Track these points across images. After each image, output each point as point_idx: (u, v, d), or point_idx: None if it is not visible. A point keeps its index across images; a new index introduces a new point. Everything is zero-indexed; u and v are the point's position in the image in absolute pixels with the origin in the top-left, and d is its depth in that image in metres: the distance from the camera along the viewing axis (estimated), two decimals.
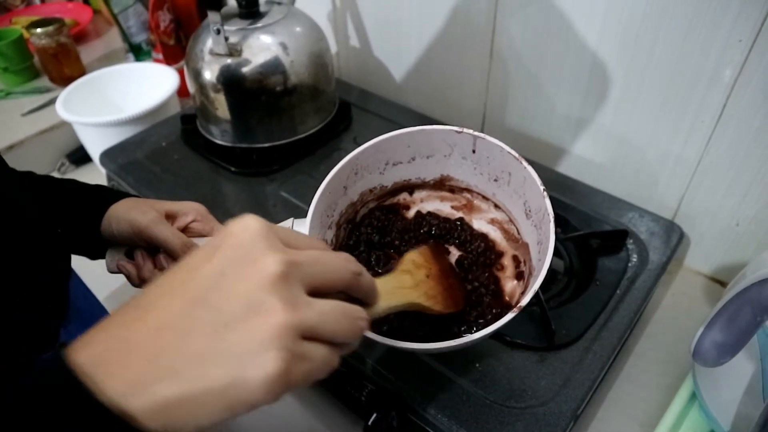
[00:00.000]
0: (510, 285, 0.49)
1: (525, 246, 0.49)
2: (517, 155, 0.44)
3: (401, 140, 0.48)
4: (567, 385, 0.49)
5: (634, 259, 0.60)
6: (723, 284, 0.70)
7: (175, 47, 1.02)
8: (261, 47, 0.69)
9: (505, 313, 0.38)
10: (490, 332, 0.38)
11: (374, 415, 0.49)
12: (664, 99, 0.63)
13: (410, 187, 0.54)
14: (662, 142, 0.66)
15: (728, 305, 0.36)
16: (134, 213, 0.48)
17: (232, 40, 0.68)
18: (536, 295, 0.53)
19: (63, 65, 1.07)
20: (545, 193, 0.42)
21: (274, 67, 0.70)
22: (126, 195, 0.52)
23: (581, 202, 0.66)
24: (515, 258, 0.50)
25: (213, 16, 0.66)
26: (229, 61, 0.69)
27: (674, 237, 0.63)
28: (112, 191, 0.53)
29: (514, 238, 0.50)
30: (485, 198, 0.52)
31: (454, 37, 0.80)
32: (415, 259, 0.43)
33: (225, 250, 0.26)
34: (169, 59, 1.02)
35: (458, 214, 0.53)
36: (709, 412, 0.52)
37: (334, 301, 0.27)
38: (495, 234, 0.52)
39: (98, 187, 0.53)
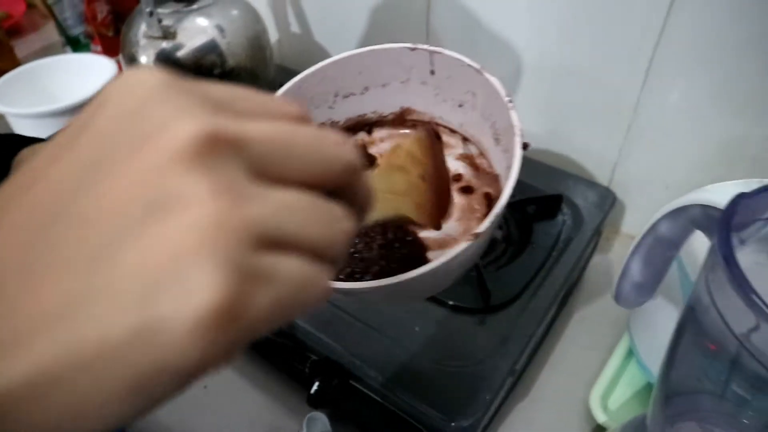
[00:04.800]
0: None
1: (496, 178, 0.45)
2: (478, 66, 0.40)
3: (350, 65, 0.43)
4: (504, 344, 0.50)
5: (569, 223, 0.62)
6: None
7: (115, 39, 1.00)
8: (196, 30, 0.69)
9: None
10: (445, 261, 0.32)
11: (316, 383, 0.50)
12: (592, 71, 0.66)
13: (368, 125, 0.48)
14: (592, 109, 0.69)
15: (639, 246, 0.38)
16: None
17: (166, 22, 0.68)
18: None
19: None
20: (511, 104, 0.37)
21: (210, 49, 0.69)
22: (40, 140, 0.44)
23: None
24: (487, 196, 0.45)
25: None
26: (164, 44, 0.68)
27: (607, 201, 0.65)
28: (23, 138, 0.44)
29: (485, 172, 0.46)
30: (453, 131, 0.46)
31: (393, 21, 0.80)
32: (413, 151, 0.37)
33: (99, 124, 0.16)
34: (109, 51, 1.00)
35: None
36: (644, 365, 0.54)
37: (299, 192, 0.17)
38: (465, 171, 0.46)
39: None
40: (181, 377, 0.14)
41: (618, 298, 0.41)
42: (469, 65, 0.39)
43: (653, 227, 0.36)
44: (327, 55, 0.42)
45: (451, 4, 0.72)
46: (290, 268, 0.16)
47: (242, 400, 0.59)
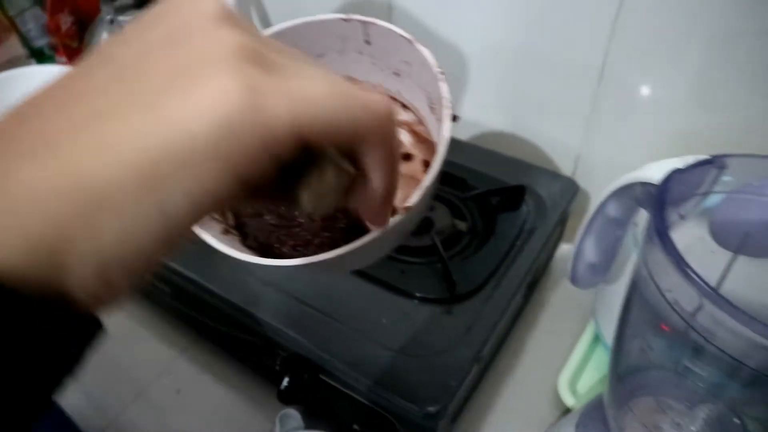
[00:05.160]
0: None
1: (433, 146, 0.45)
2: (410, 37, 0.39)
3: (285, 37, 0.43)
4: (469, 332, 0.51)
5: (533, 214, 0.63)
6: None
7: (80, 49, 1.00)
8: None
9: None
10: (377, 235, 0.31)
11: (285, 379, 0.50)
12: (553, 59, 0.67)
13: None
14: (554, 99, 0.70)
15: (589, 227, 0.39)
16: None
17: None
18: (437, 251, 0.56)
19: None
20: (442, 75, 0.37)
21: None
22: None
23: (482, 164, 0.69)
24: (425, 163, 0.46)
25: (105, 7, 0.65)
26: None
27: (570, 191, 0.66)
28: None
29: (424, 139, 0.46)
30: (392, 98, 0.46)
31: (353, 5, 0.81)
32: None
33: (159, 24, 0.19)
34: (74, 62, 0.99)
35: None
36: (610, 348, 0.55)
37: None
38: (404, 137, 0.47)
39: None
40: (216, 172, 0.17)
41: (574, 279, 0.42)
42: (401, 36, 0.39)
43: (600, 208, 0.37)
44: None
45: None
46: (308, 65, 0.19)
47: (215, 401, 0.59)
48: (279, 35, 0.42)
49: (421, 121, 0.46)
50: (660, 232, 0.28)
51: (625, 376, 0.38)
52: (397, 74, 0.44)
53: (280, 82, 0.17)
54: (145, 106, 0.17)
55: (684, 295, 0.27)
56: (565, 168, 0.73)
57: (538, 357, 0.62)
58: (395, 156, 0.21)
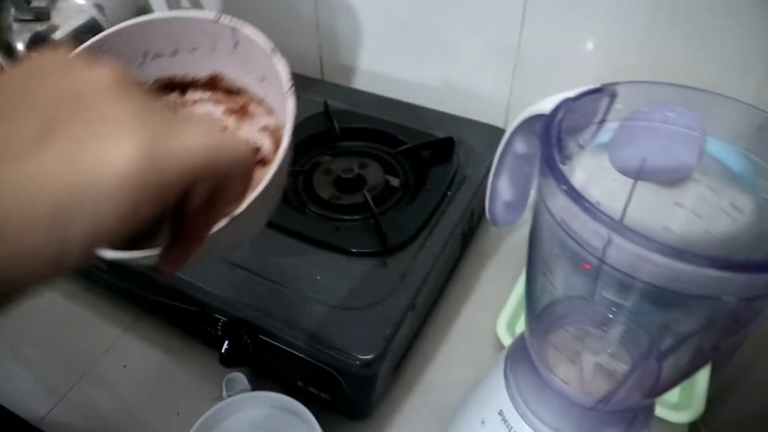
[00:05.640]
0: None
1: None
2: (270, 48, 0.40)
3: (157, 28, 0.43)
4: (403, 281, 0.52)
5: (464, 165, 0.64)
6: None
7: None
8: (72, 9, 0.67)
9: None
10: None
11: (225, 343, 0.50)
12: (474, 18, 0.68)
13: (180, 86, 0.48)
14: (479, 50, 0.71)
15: (500, 165, 0.40)
16: None
17: (38, 3, 0.66)
18: (368, 206, 0.57)
19: None
20: (289, 93, 0.38)
21: (90, 30, 0.68)
22: None
23: (413, 120, 0.70)
24: None
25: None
26: (38, 27, 0.66)
27: (500, 140, 0.67)
28: None
29: None
30: (259, 102, 0.47)
31: None
32: None
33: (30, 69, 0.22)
34: None
35: (230, 120, 0.48)
36: None
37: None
38: (265, 142, 0.47)
39: None
40: (108, 226, 0.19)
41: (492, 219, 0.43)
42: (262, 46, 0.40)
43: (507, 144, 0.38)
44: None
45: None
46: (191, 124, 0.22)
47: (163, 373, 0.60)
48: (148, 25, 0.42)
49: (281, 127, 0.45)
50: (548, 160, 0.29)
51: (540, 311, 0.40)
52: (263, 80, 0.44)
53: (169, 140, 0.21)
54: (60, 158, 0.19)
55: (574, 220, 0.29)
56: (497, 120, 0.75)
57: (478, 303, 0.63)
58: (248, 187, 0.28)
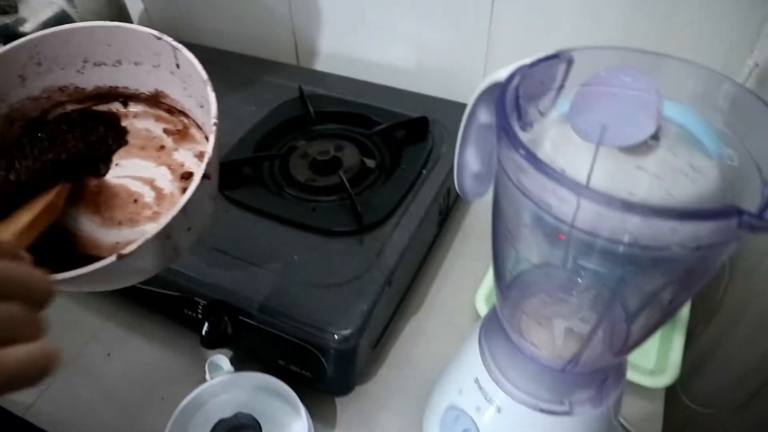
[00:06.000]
0: None
1: None
2: (205, 77, 0.39)
3: (97, 35, 0.42)
4: (380, 258, 0.53)
5: (438, 143, 0.65)
6: None
7: None
8: (42, 2, 0.67)
9: None
10: (77, 274, 0.33)
11: (205, 325, 0.51)
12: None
13: (122, 97, 0.47)
14: (454, 35, 0.71)
15: (464, 136, 0.41)
16: None
17: None
18: (344, 187, 0.57)
19: None
20: (214, 127, 0.37)
21: (59, 21, 0.67)
22: None
23: (388, 102, 0.70)
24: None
25: None
26: (6, 20, 0.65)
27: None
28: None
29: None
30: (199, 127, 0.45)
31: None
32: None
33: None
34: None
35: (168, 140, 0.46)
36: None
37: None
38: (196, 169, 0.43)
39: None
40: None
41: (461, 191, 0.44)
42: (199, 72, 0.39)
43: (470, 115, 0.39)
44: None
45: None
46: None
47: (147, 360, 0.60)
48: (89, 31, 0.42)
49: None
50: (504, 127, 0.30)
51: (506, 278, 0.41)
52: (201, 106, 0.43)
53: None
54: None
55: (530, 182, 0.29)
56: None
57: (457, 279, 0.64)
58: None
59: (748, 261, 0.63)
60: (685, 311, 0.59)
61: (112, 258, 0.32)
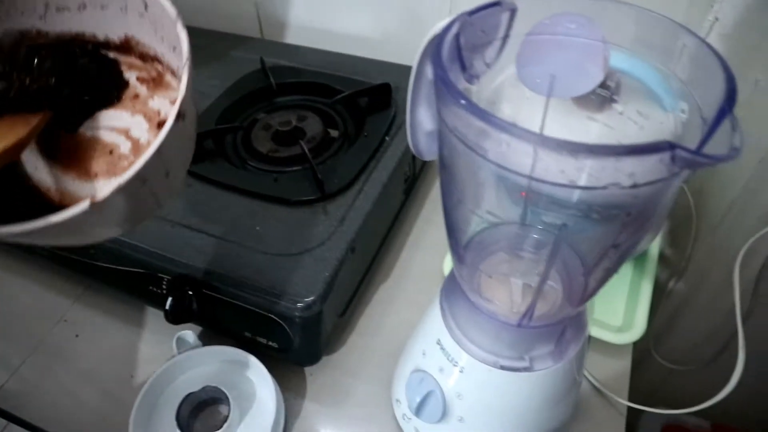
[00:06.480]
0: None
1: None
2: (174, 15, 0.36)
3: None
4: (343, 224, 0.52)
5: (402, 110, 0.64)
6: None
7: None
8: None
9: None
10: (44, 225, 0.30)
11: (169, 299, 0.50)
12: None
13: (90, 45, 0.43)
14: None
15: (414, 94, 0.40)
16: None
17: None
18: (305, 157, 0.56)
19: None
20: (186, 65, 0.35)
21: None
22: None
23: (351, 71, 0.69)
24: None
25: None
26: None
27: None
28: None
29: None
30: (174, 72, 0.42)
31: None
32: None
33: None
34: None
35: (142, 88, 0.44)
36: None
37: None
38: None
39: None
40: None
41: (415, 150, 0.43)
42: (168, 12, 0.37)
43: (417, 71, 0.38)
44: None
45: None
46: None
47: (115, 339, 0.59)
48: None
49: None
50: (441, 77, 0.29)
51: (463, 240, 0.40)
52: (174, 49, 0.40)
53: None
54: None
55: (469, 130, 0.29)
56: None
57: (425, 246, 0.64)
58: None
59: (712, 218, 0.63)
60: (651, 268, 0.59)
61: (85, 204, 0.30)
